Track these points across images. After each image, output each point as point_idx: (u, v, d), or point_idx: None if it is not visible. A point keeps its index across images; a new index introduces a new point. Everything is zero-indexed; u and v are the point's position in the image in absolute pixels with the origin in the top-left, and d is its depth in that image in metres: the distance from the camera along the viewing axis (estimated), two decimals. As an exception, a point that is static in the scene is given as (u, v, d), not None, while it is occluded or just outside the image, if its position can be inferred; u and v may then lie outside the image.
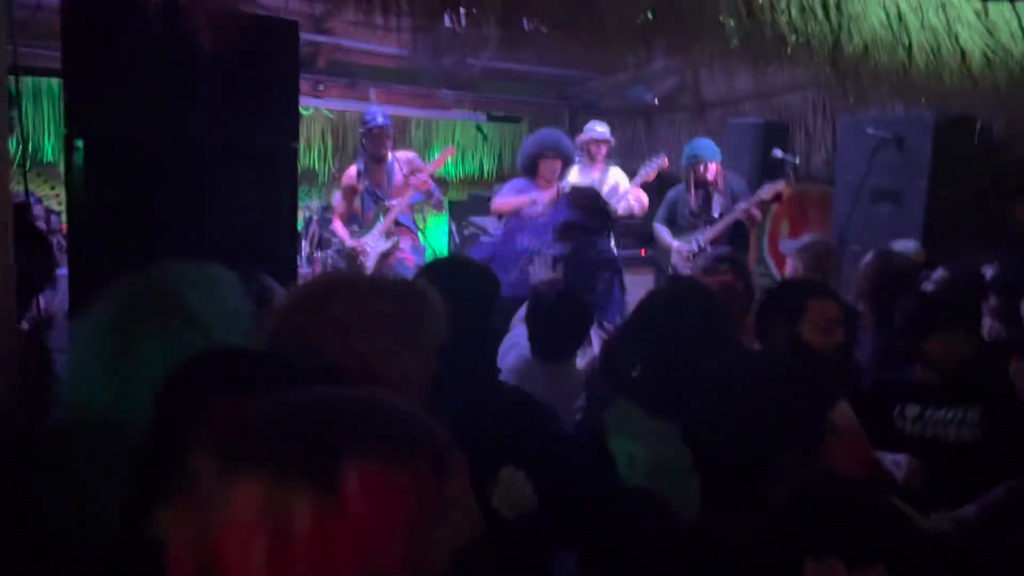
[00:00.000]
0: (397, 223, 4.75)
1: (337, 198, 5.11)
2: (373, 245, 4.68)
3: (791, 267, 3.84)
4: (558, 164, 4.84)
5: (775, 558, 1.14)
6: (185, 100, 2.43)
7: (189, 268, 1.29)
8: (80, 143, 2.36)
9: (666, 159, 5.15)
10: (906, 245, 4.05)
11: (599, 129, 5.36)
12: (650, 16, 2.92)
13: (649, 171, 5.11)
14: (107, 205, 2.40)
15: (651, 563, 1.29)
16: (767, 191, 4.92)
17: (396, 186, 4.77)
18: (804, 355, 2.14)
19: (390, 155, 4.80)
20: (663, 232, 5.36)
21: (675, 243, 5.23)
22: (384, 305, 1.43)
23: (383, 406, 0.83)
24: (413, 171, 4.76)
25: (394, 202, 4.71)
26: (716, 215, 5.16)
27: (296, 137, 2.72)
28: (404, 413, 0.83)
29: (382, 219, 4.71)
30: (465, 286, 1.89)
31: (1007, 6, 3.93)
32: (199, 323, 1.19)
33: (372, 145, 4.74)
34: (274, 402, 0.81)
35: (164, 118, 2.41)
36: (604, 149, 5.35)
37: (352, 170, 4.92)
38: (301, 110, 6.87)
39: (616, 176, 5.33)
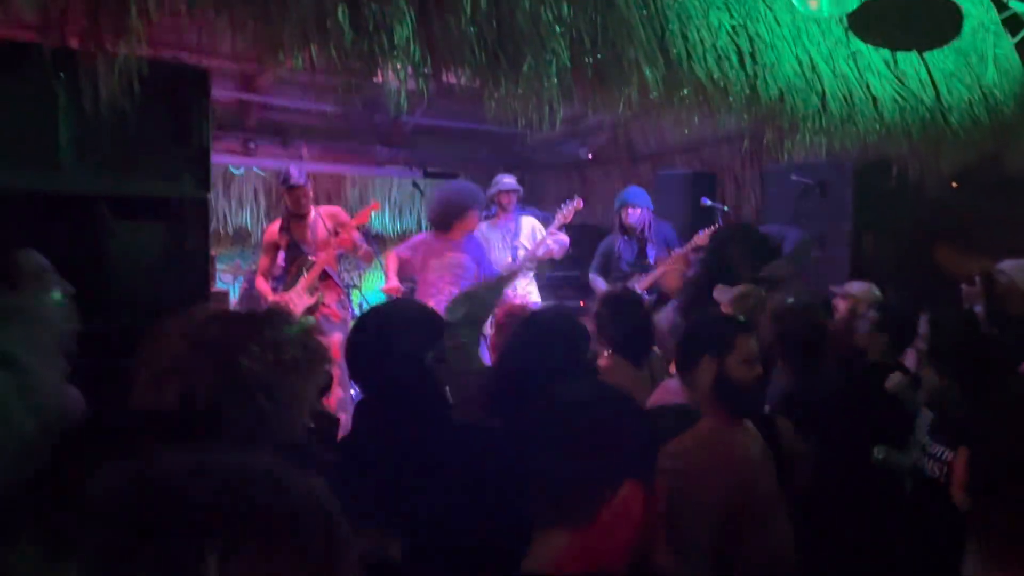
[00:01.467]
0: (323, 277, 4.65)
1: (263, 256, 5.00)
2: (297, 301, 4.57)
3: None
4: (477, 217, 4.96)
5: None
6: (85, 150, 2.33)
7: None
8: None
9: (580, 201, 5.21)
10: (861, 287, 4.01)
11: (506, 180, 5.41)
12: (567, 65, 2.95)
13: (566, 213, 5.15)
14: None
15: None
16: (701, 237, 5.00)
17: (320, 240, 4.69)
18: (728, 387, 2.20)
19: (312, 210, 4.74)
20: (598, 282, 5.39)
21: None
22: (292, 351, 1.42)
23: (266, 476, 0.71)
24: (337, 226, 4.69)
25: (318, 257, 4.63)
26: (651, 262, 5.21)
27: (207, 187, 2.63)
28: (291, 485, 0.72)
29: (305, 274, 4.61)
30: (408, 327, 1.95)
31: (915, 56, 4.10)
32: (13, 364, 1.07)
33: (292, 203, 4.68)
34: (128, 469, 0.70)
35: (61, 169, 2.31)
36: (514, 199, 5.40)
37: (274, 226, 4.84)
38: (232, 169, 6.81)
39: (529, 223, 5.36)
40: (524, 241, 5.30)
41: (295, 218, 4.71)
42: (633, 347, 3.16)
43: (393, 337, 1.86)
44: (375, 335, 1.90)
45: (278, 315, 1.58)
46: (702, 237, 5.01)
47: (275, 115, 6.39)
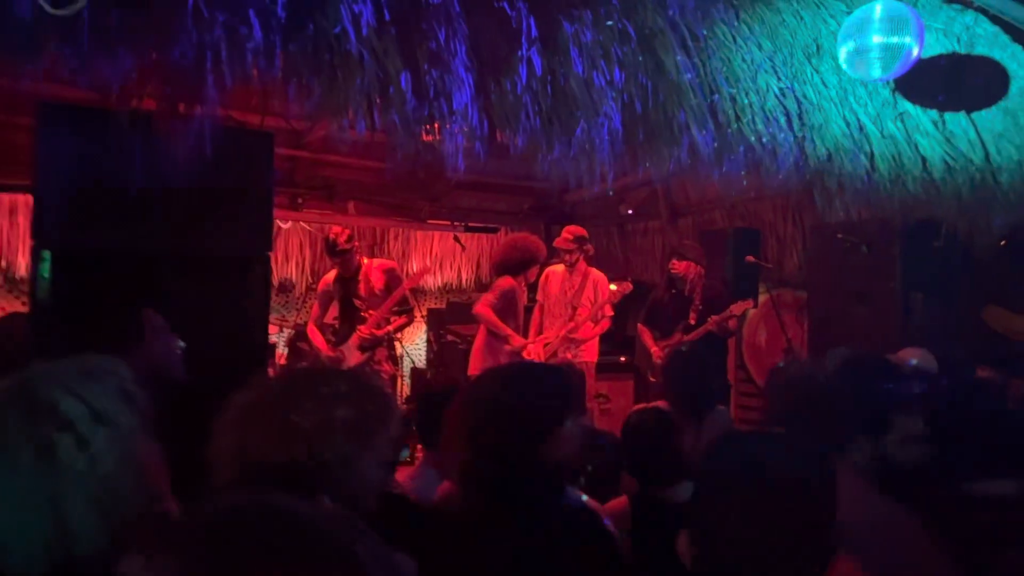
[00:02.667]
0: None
1: (315, 304, 5.11)
2: (348, 356, 4.63)
3: None
4: None
5: None
6: (156, 212, 2.42)
7: (64, 369, 1.20)
8: (46, 254, 2.33)
9: (630, 285, 5.24)
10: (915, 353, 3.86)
11: (567, 236, 5.43)
12: (619, 128, 3.01)
13: (614, 295, 5.20)
14: (71, 316, 2.34)
15: None
16: (738, 308, 4.99)
17: (374, 296, 4.77)
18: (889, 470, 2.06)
19: (365, 262, 4.85)
20: (645, 334, 5.37)
21: (654, 348, 5.24)
22: (345, 411, 1.43)
23: (294, 519, 0.77)
24: (391, 282, 4.78)
25: (370, 314, 4.70)
26: (692, 322, 5.18)
27: (270, 245, 2.70)
28: (318, 526, 0.77)
29: (358, 330, 4.69)
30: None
31: (963, 116, 4.10)
32: (75, 432, 1.10)
33: (342, 267, 4.83)
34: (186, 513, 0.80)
35: (134, 230, 2.40)
36: (577, 255, 5.40)
37: (329, 276, 4.94)
38: (279, 223, 6.96)
39: (594, 281, 5.34)
40: (586, 299, 5.28)
41: (347, 274, 4.83)
42: (693, 402, 3.30)
43: (533, 403, 1.73)
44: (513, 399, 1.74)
45: (334, 372, 1.59)
46: (738, 307, 5.00)
47: (322, 170, 6.54)
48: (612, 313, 5.28)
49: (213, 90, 2.26)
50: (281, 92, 2.45)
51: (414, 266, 7.55)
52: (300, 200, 6.56)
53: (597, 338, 5.29)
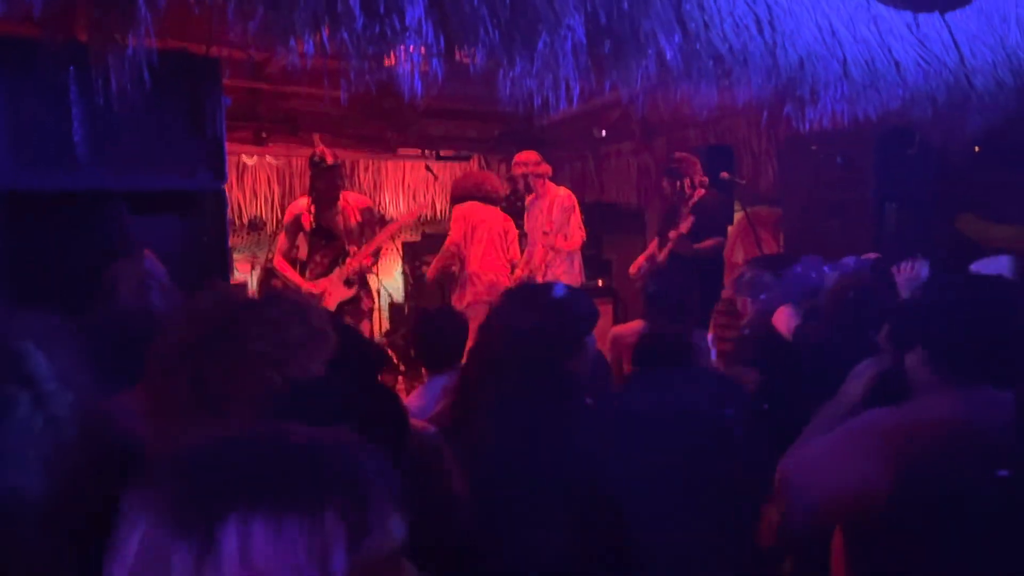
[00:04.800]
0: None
1: (282, 236, 4.90)
2: (333, 291, 4.52)
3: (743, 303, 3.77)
4: None
5: None
6: (98, 145, 2.30)
7: (31, 322, 1.12)
8: (-14, 196, 2.23)
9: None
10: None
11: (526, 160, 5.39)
12: (583, 41, 2.89)
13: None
14: (19, 262, 2.25)
15: None
16: (685, 225, 4.94)
17: (350, 230, 4.65)
18: None
19: (341, 196, 4.72)
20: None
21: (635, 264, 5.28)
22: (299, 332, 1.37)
23: (292, 447, 0.72)
24: (372, 223, 4.71)
25: (355, 249, 4.61)
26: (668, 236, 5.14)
27: (223, 178, 2.60)
28: (320, 455, 0.72)
29: (341, 265, 4.58)
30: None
31: (937, 18, 4.00)
32: (38, 388, 1.03)
33: (325, 186, 4.63)
34: (182, 445, 0.74)
35: (78, 166, 2.29)
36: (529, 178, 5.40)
37: (298, 205, 4.76)
38: (244, 159, 6.78)
39: (560, 198, 5.30)
40: (554, 220, 5.23)
41: (325, 202, 4.67)
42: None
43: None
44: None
45: (280, 297, 1.53)
46: (685, 225, 4.92)
47: (286, 102, 6.33)
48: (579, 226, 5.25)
49: (147, 14, 2.12)
50: (221, 15, 2.30)
51: (387, 198, 7.43)
52: (264, 135, 6.38)
53: (579, 261, 5.27)
